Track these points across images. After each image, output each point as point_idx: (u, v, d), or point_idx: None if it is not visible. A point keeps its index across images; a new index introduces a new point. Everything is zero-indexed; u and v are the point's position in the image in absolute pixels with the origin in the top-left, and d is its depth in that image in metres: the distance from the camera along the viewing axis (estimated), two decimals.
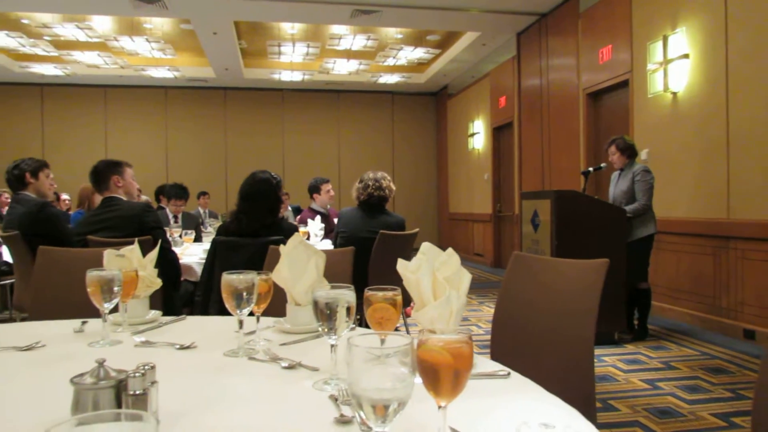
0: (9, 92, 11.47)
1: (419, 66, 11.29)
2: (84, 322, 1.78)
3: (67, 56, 9.80)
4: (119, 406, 0.97)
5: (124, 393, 0.97)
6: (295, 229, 3.21)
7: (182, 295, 3.57)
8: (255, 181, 3.15)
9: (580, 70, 7.16)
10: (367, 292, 1.26)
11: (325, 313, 1.17)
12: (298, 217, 5.52)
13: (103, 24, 8.72)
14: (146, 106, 12.02)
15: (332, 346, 1.20)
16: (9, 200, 8.29)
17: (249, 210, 3.10)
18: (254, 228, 3.07)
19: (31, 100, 11.65)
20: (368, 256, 3.82)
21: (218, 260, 3.04)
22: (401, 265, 1.33)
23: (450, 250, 1.34)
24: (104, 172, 3.33)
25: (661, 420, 3.07)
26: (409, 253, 4.07)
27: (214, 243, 3.11)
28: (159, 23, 8.77)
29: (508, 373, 1.27)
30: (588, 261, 1.70)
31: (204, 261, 3.64)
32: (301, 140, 12.54)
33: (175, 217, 5.96)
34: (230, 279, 1.41)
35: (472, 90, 11.19)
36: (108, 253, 1.77)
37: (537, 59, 8.26)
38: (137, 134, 11.96)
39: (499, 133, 10.06)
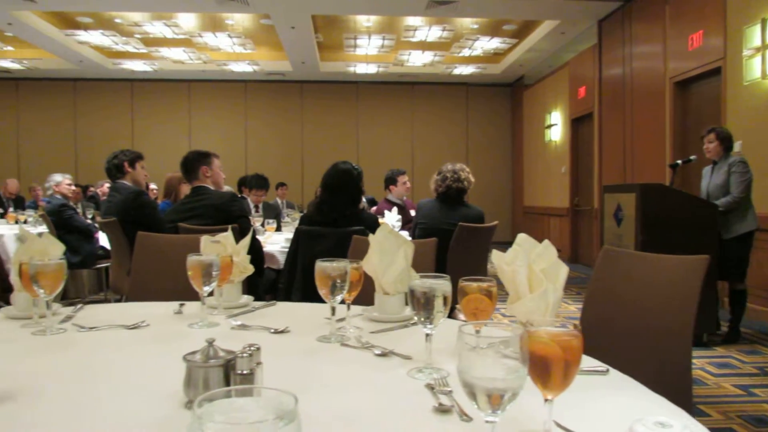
0: (103, 88, 12.18)
1: (495, 56, 11.11)
2: (181, 305, 1.86)
3: (155, 53, 10.27)
4: (227, 383, 1.01)
5: (232, 372, 1.01)
6: (376, 219, 3.24)
7: (265, 282, 3.68)
8: (336, 172, 3.19)
9: (667, 57, 6.82)
10: (462, 282, 1.25)
11: (421, 303, 1.18)
12: (374, 208, 5.57)
13: (188, 21, 9.08)
14: (227, 99, 12.45)
15: (427, 335, 1.20)
16: (107, 189, 8.83)
17: (330, 200, 3.15)
18: (335, 218, 3.11)
19: (122, 95, 12.31)
20: (446, 247, 3.81)
21: (301, 249, 3.11)
22: (496, 256, 1.32)
23: (546, 241, 1.32)
24: (193, 163, 3.48)
25: (757, 428, 2.90)
26: (488, 246, 4.02)
27: (297, 232, 3.18)
28: (240, 19, 9.04)
29: (607, 370, 1.23)
30: (686, 257, 1.63)
31: (285, 249, 3.74)
32: (375, 132, 12.64)
33: (256, 206, 6.15)
34: (324, 266, 1.44)
35: (550, 80, 10.90)
36: (204, 239, 1.84)
37: (620, 47, 7.94)
38: (218, 127, 12.41)
39: (577, 124, 9.76)
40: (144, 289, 2.48)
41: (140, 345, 1.47)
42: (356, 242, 2.49)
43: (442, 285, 1.18)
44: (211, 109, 12.45)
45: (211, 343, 1.04)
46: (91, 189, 9.90)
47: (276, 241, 4.02)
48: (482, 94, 12.91)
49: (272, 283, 3.67)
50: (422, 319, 1.18)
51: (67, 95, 12.25)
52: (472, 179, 4.06)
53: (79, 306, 1.84)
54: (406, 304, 1.71)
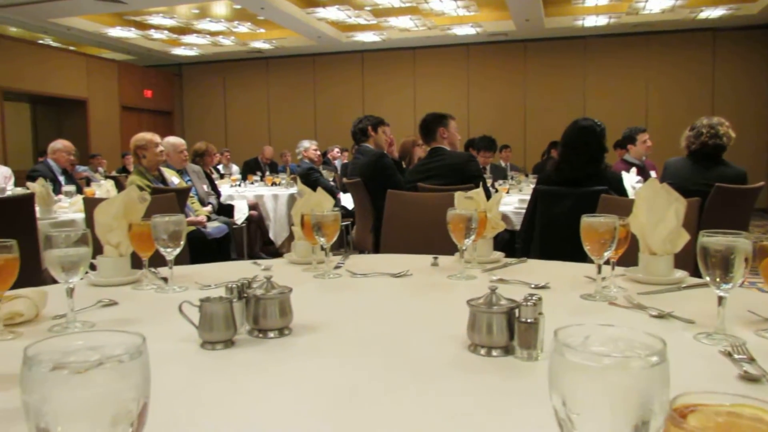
0: (336, 61, 13.19)
1: None
2: (435, 258, 1.94)
3: (384, 23, 10.77)
4: (510, 330, 1.03)
5: (516, 320, 1.02)
6: (620, 178, 3.04)
7: (499, 242, 3.70)
8: (577, 129, 3.05)
9: None
10: (765, 242, 1.11)
11: (715, 262, 1.07)
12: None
13: None
14: (449, 64, 12.63)
15: (721, 297, 1.09)
16: (338, 153, 9.62)
17: (571, 159, 3.03)
18: (576, 177, 2.99)
19: (353, 67, 13.21)
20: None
21: (539, 209, 3.06)
22: None
23: None
24: (431, 124, 3.61)
25: None
26: (749, 211, 3.55)
27: (535, 192, 3.13)
28: None
29: None
30: None
31: (518, 210, 3.72)
32: (604, 90, 11.80)
33: (484, 167, 6.18)
34: (591, 222, 1.38)
35: None
36: (458, 195, 1.90)
37: None
38: (441, 91, 12.67)
39: None
40: (393, 242, 2.66)
41: (409, 291, 1.58)
42: (605, 201, 2.37)
43: (743, 243, 1.06)
44: (434, 74, 12.74)
45: (494, 290, 1.07)
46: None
47: (509, 202, 4.01)
48: (733, 40, 11.26)
49: (506, 243, 3.68)
50: (716, 280, 1.08)
51: (308, 70, 13.49)
52: (733, 134, 3.59)
53: (347, 255, 2.03)
54: (675, 266, 1.59)
